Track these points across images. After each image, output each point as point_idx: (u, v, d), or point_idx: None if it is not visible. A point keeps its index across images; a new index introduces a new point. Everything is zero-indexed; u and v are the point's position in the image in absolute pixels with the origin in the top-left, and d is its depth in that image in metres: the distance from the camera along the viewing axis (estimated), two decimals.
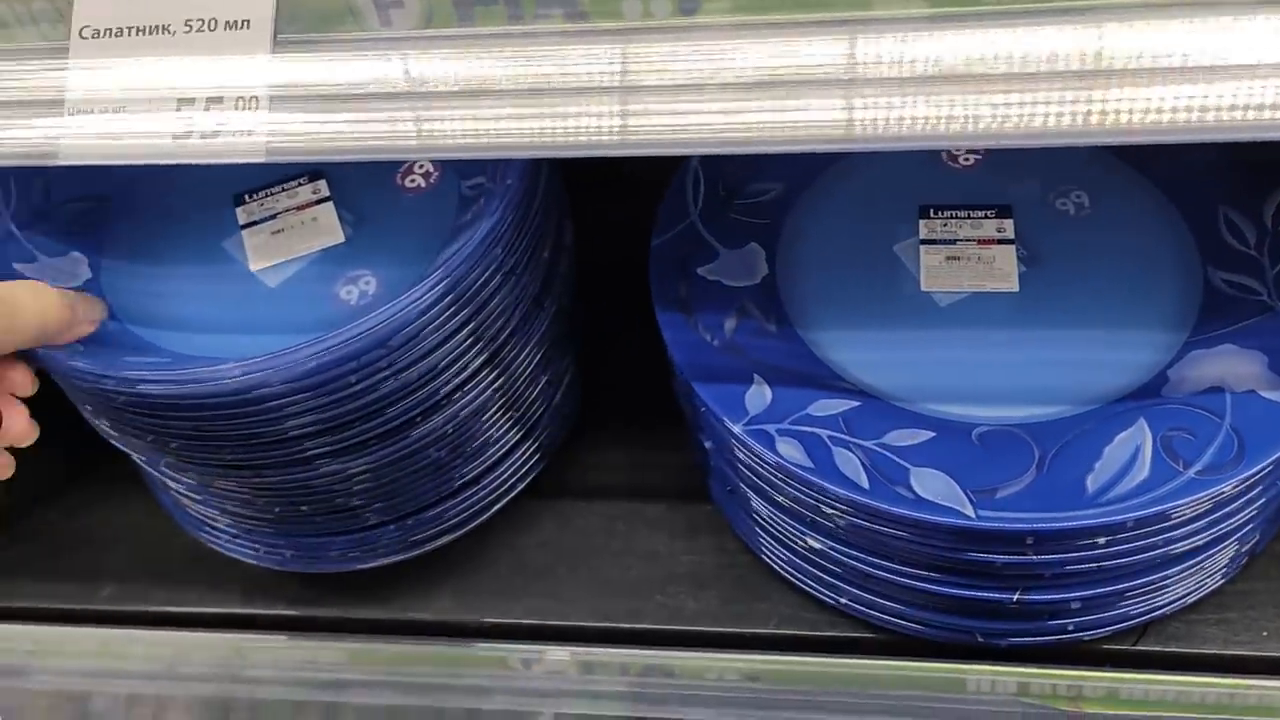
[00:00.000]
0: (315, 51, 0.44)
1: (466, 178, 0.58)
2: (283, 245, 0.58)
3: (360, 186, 0.60)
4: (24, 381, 0.49)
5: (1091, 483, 0.49)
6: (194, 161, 0.44)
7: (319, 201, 0.60)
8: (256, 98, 0.44)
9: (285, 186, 0.60)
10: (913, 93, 0.42)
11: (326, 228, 0.59)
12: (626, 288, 0.62)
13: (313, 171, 0.61)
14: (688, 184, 0.63)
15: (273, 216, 0.60)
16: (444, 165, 0.60)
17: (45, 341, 0.50)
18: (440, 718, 0.65)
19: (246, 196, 0.60)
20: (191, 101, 0.44)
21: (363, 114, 0.44)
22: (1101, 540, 0.48)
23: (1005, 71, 0.41)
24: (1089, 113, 0.40)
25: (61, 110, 0.45)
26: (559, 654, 0.62)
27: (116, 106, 0.44)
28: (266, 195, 0.60)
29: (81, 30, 0.45)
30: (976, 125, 0.42)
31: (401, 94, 0.43)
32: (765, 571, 0.62)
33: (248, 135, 0.44)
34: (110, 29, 0.45)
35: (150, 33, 0.45)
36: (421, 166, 0.60)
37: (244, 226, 0.59)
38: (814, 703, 0.60)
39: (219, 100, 0.44)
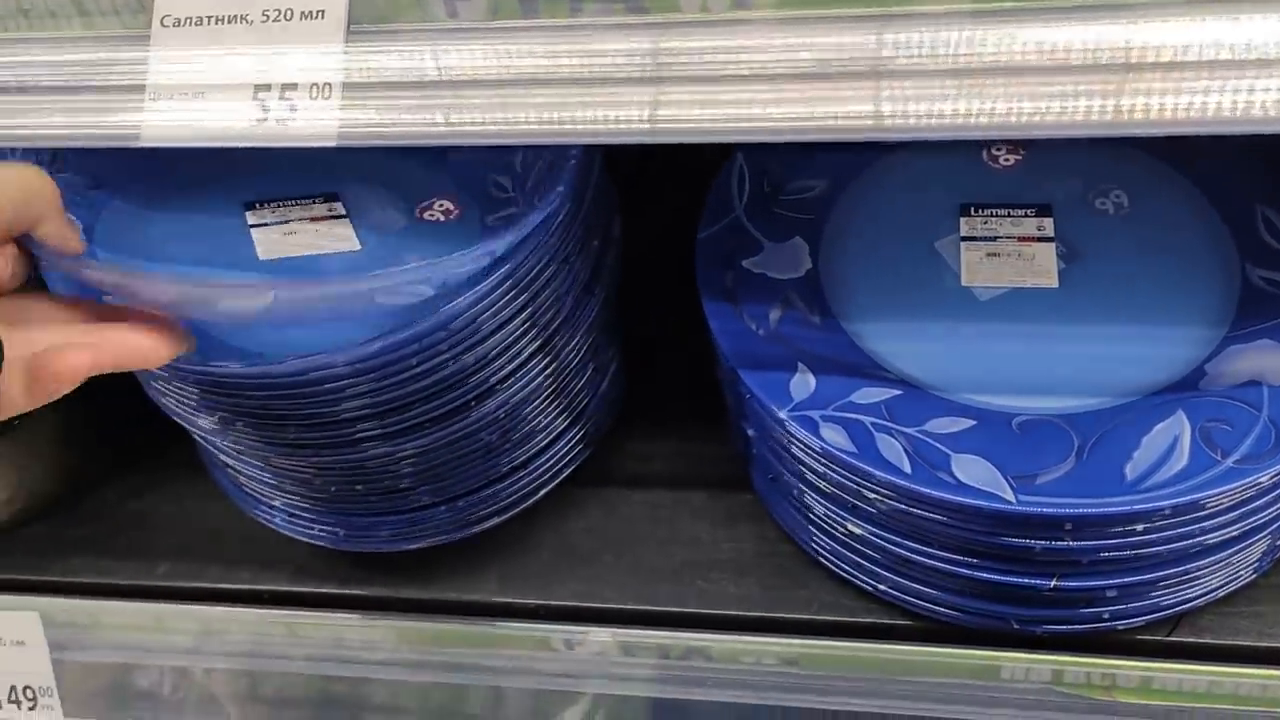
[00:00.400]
0: (386, 41, 0.46)
1: (491, 211, 0.58)
2: (293, 246, 0.58)
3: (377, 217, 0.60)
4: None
5: (1130, 470, 0.50)
6: (269, 145, 0.46)
7: (334, 217, 0.59)
8: (330, 84, 0.46)
9: (299, 202, 0.60)
10: (944, 85, 0.42)
11: (342, 238, 0.59)
12: (668, 283, 0.63)
13: (329, 194, 0.60)
14: (733, 180, 0.65)
15: (284, 221, 0.59)
16: (464, 202, 0.60)
17: (29, 224, 0.45)
18: (479, 696, 0.67)
19: (257, 204, 0.60)
20: (268, 88, 0.46)
21: (430, 101, 0.46)
22: (1139, 527, 0.49)
23: (1037, 64, 0.42)
24: (1119, 107, 0.41)
25: (143, 95, 0.47)
26: (601, 636, 0.63)
27: (196, 92, 0.47)
28: (279, 206, 0.60)
29: (163, 19, 0.47)
30: (1007, 117, 0.42)
31: (468, 82, 0.45)
32: (805, 559, 0.63)
33: (320, 120, 0.46)
34: (190, 18, 0.47)
35: (229, 22, 0.47)
36: (442, 204, 0.60)
37: (254, 226, 0.59)
38: (850, 688, 0.61)
39: (294, 87, 0.46)
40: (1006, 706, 0.60)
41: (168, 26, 0.47)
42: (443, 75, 0.46)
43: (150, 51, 0.47)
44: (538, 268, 0.54)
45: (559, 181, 0.54)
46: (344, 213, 0.60)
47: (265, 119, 0.46)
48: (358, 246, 0.58)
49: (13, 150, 0.57)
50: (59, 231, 0.46)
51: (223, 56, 0.47)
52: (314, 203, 0.60)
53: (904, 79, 0.42)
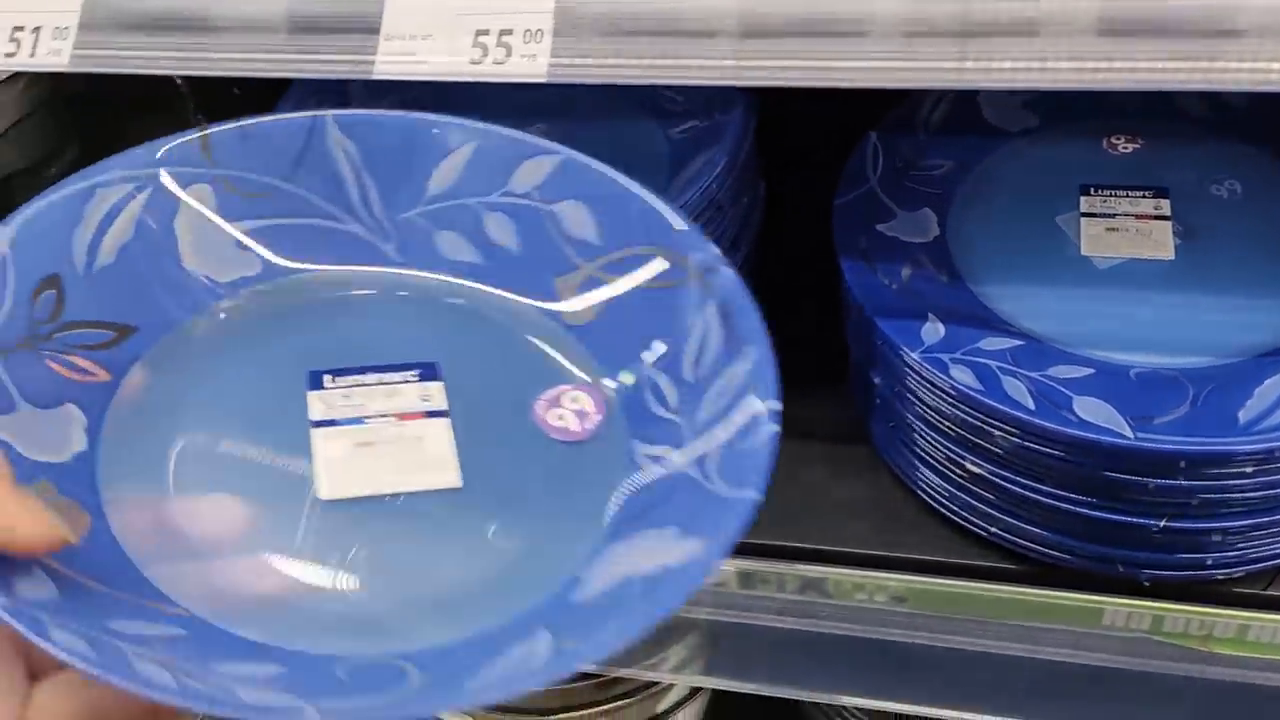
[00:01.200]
0: None
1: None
2: None
3: None
4: None
5: (1243, 416, 0.54)
6: (485, 80, 0.53)
7: None
8: (541, 30, 0.53)
9: None
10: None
11: None
12: (797, 255, 0.69)
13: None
14: (867, 155, 0.71)
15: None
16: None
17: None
18: None
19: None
20: (487, 32, 0.53)
21: (623, 47, 0.52)
22: (1250, 469, 0.54)
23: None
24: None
25: (378, 36, 0.54)
26: (722, 566, 0.68)
27: (425, 34, 0.53)
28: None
29: None
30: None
31: (664, 32, 0.52)
32: (918, 506, 0.68)
33: (532, 60, 0.52)
34: None
35: None
36: None
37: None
38: (955, 627, 0.66)
39: (510, 31, 0.53)
40: (1104, 651, 0.64)
41: None
42: (632, 26, 0.53)
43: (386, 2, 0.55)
44: (698, 209, 0.60)
45: (724, 131, 0.60)
46: None
47: (484, 59, 0.53)
48: None
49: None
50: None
51: (449, 4, 0.54)
52: None
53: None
